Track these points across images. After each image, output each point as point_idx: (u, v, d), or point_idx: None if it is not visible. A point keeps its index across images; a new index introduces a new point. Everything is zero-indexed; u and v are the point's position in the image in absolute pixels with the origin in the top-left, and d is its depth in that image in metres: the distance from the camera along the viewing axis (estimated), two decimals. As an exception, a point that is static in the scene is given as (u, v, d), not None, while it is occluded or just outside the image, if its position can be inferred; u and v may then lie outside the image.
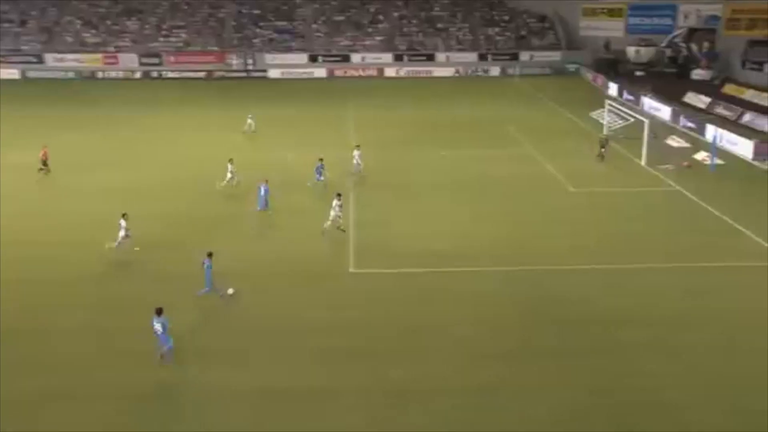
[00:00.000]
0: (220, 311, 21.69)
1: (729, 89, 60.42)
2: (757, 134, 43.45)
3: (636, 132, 42.66)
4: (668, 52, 72.77)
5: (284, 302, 22.62)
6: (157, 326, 18.84)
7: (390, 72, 74.20)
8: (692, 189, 34.21)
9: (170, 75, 71.90)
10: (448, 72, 74.57)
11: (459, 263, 25.37)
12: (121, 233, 25.80)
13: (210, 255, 22.20)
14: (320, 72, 73.56)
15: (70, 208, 30.96)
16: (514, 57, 76.11)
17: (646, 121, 39.98)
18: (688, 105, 55.46)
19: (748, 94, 57.48)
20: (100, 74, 71.66)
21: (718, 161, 38.55)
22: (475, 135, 46.01)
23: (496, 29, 78.58)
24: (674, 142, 43.82)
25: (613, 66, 73.27)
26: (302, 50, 75.32)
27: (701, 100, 55.81)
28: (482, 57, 76.32)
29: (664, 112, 51.74)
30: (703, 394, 17.79)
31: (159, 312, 18.89)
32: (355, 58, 75.37)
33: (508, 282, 23.98)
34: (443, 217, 30.09)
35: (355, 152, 35.08)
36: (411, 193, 33.28)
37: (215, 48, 74.58)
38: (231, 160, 33.18)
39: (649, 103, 54.56)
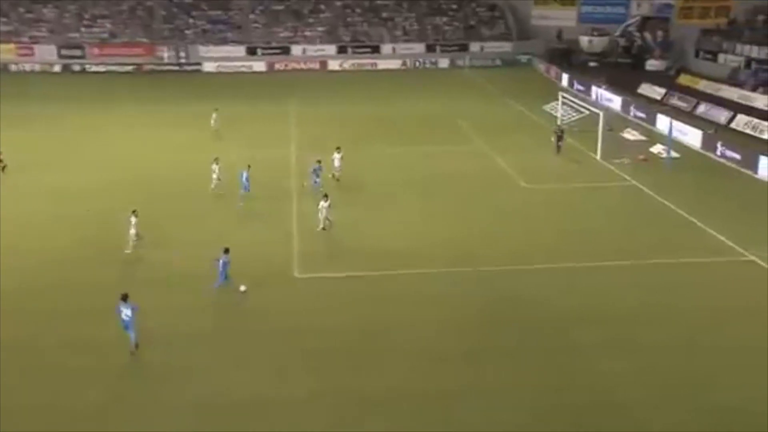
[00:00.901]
0: (151, 323, 21.53)
1: (684, 80, 62.21)
2: (712, 126, 44.96)
3: (590, 125, 43.71)
4: (622, 41, 74.52)
5: (226, 309, 22.58)
6: (126, 311, 19.76)
7: (333, 65, 74.34)
8: (649, 183, 35.22)
9: (95, 69, 70.71)
10: (394, 64, 75.02)
11: (412, 265, 25.69)
12: (132, 231, 26.14)
13: (227, 251, 23.34)
14: (259, 65, 73.24)
15: (22, 210, 30.46)
16: (464, 48, 76.98)
17: (601, 114, 40.99)
18: (643, 96, 56.99)
19: (702, 85, 59.30)
20: (13, 67, 69.95)
21: (674, 154, 39.76)
22: (425, 131, 46.48)
23: (444, 19, 79.38)
24: (630, 135, 44.99)
25: (566, 56, 74.71)
26: (239, 42, 74.84)
27: (656, 91, 57.37)
28: (430, 48, 77.00)
29: (615, 102, 53.18)
30: (662, 393, 18.43)
31: (125, 298, 19.84)
32: (296, 50, 75.25)
33: (464, 283, 24.37)
34: (394, 217, 30.36)
35: (336, 155, 34.60)
36: (359, 193, 33.50)
37: (144, 40, 73.51)
38: (216, 160, 32.93)
39: (601, 94, 55.91)
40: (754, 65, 58.62)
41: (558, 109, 47.84)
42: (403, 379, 19.01)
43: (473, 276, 24.91)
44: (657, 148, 41.30)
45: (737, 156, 39.42)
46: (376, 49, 76.33)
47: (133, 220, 26.34)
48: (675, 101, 53.86)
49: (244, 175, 31.96)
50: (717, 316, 22.31)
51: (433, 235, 28.43)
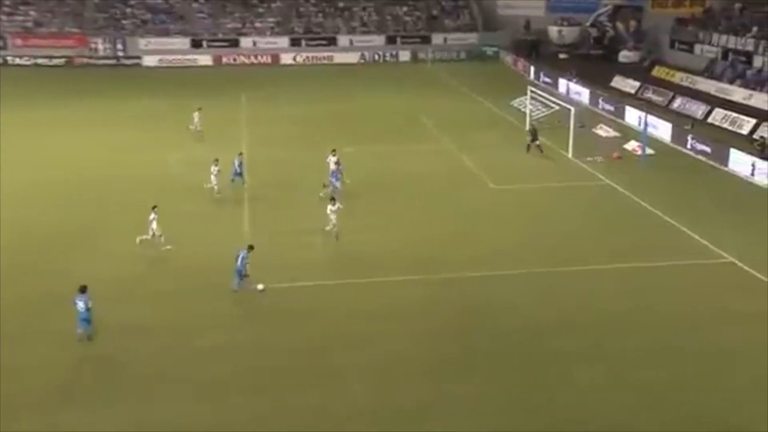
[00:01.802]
0: (80, 343, 21.30)
1: (658, 72, 63.43)
2: (688, 120, 45.91)
3: (561, 121, 44.36)
4: (593, 32, 75.67)
5: (167, 325, 22.46)
6: (81, 304, 20.76)
7: (286, 58, 74.28)
8: (623, 182, 35.84)
9: (18, 61, 69.44)
10: (352, 58, 75.21)
11: (373, 272, 25.81)
12: (153, 226, 26.82)
13: (251, 248, 24.06)
14: (205, 59, 72.88)
15: None
16: (426, 40, 77.45)
17: (572, 109, 41.62)
18: (616, 90, 57.97)
19: (678, 77, 60.55)
20: None
21: (649, 151, 40.53)
22: (385, 128, 46.71)
23: (405, 9, 79.78)
24: (603, 131, 45.72)
25: (534, 48, 75.62)
26: (182, 34, 74.36)
27: (629, 85, 58.41)
28: (390, 40, 77.33)
29: (583, 96, 54.11)
30: (641, 401, 18.82)
31: (83, 290, 20.89)
32: (246, 42, 75.03)
33: (430, 291, 24.57)
34: (353, 222, 30.47)
35: (331, 158, 34.17)
36: (315, 196, 33.58)
37: (75, 30, 72.37)
38: (216, 161, 33.31)
39: (569, 87, 56.81)
40: (731, 56, 59.98)
41: (527, 105, 48.44)
42: (366, 396, 19.10)
43: (440, 283, 25.11)
44: (631, 145, 42.06)
45: (707, 149, 40.59)
46: (332, 42, 76.44)
47: (153, 215, 26.99)
48: (650, 95, 54.89)
49: (236, 161, 34.23)
50: (696, 321, 22.81)
51: (397, 239, 28.61)
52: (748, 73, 55.92)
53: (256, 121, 48.23)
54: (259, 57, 73.86)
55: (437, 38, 77.78)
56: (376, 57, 75.93)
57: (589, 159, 39.54)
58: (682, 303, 23.90)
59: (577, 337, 21.81)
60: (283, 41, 75.62)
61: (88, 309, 20.88)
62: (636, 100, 51.54)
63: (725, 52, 61.03)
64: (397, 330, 22.16)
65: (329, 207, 28.56)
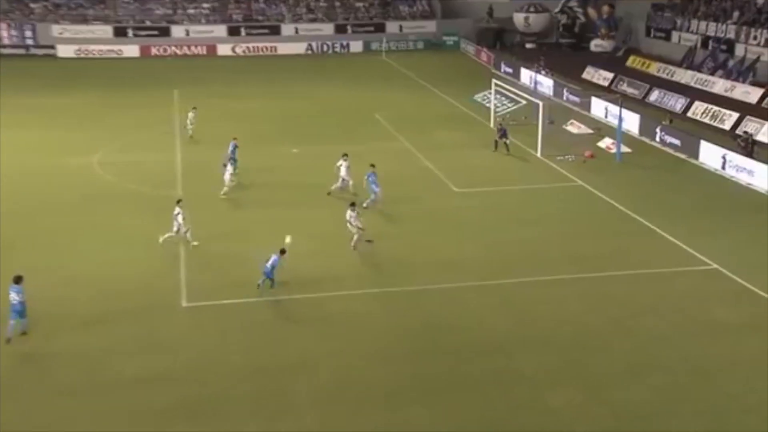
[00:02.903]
0: (16, 367, 20.92)
1: (634, 62, 64.35)
2: (666, 115, 46.59)
3: (528, 117, 44.73)
4: (563, 18, 76.53)
5: (92, 347, 22.09)
6: (13, 295, 21.86)
7: (224, 49, 73.96)
8: (597, 183, 36.22)
9: None
10: (298, 48, 75.15)
11: (322, 286, 25.69)
12: (180, 220, 27.95)
13: (283, 252, 24.86)
14: (131, 50, 72.18)
15: None
16: (380, 29, 77.71)
17: (540, 104, 41.97)
18: (588, 82, 58.64)
19: (655, 68, 61.46)
20: None
21: (625, 149, 41.02)
22: (336, 126, 46.65)
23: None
24: (574, 128, 46.19)
25: (499, 37, 76.30)
26: (104, 21, 73.37)
27: (602, 76, 59.15)
28: (340, 29, 77.46)
29: (546, 87, 54.73)
30: (618, 424, 18.93)
31: (17, 280, 22.05)
32: (177, 31, 74.54)
33: (385, 306, 24.51)
34: (300, 231, 30.23)
35: (342, 162, 33.90)
36: (258, 202, 33.42)
37: (-29, 13, 70.99)
38: (231, 164, 34.43)
39: (532, 77, 57.39)
40: (711, 44, 60.99)
41: (491, 100, 48.74)
42: (316, 423, 18.95)
43: (395, 296, 25.07)
44: (605, 142, 42.51)
45: (677, 142, 41.79)
46: (275, 31, 76.32)
47: (178, 210, 28.17)
48: (624, 87, 55.60)
49: (231, 145, 36.17)
50: (679, 334, 22.98)
51: (348, 249, 28.51)
52: (730, 62, 56.97)
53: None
54: (193, 48, 73.42)
55: (392, 26, 78.08)
56: (325, 47, 75.95)
57: (559, 158, 39.90)
58: (662, 315, 24.10)
59: (548, 354, 21.86)
60: (220, 30, 75.29)
61: (21, 301, 21.92)
62: (609, 93, 52.21)
63: (705, 40, 62.11)
64: (347, 349, 22.04)
65: (348, 212, 28.49)
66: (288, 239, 25.63)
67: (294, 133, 44.88)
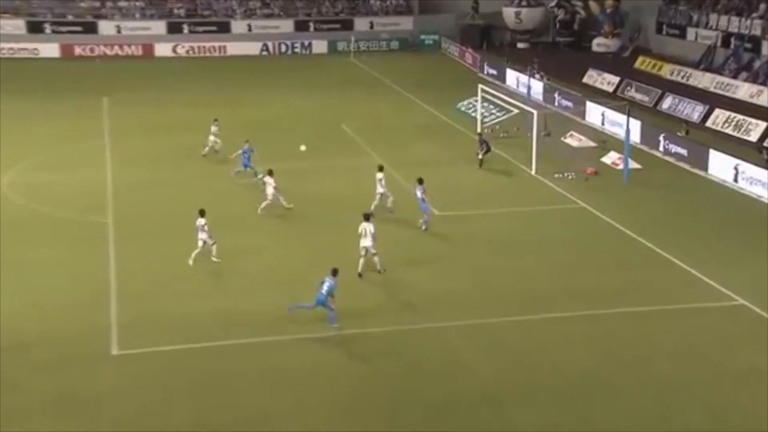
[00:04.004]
0: None
1: (643, 64, 64.75)
2: (682, 125, 46.82)
3: (520, 128, 44.78)
4: (560, 13, 77.03)
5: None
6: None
7: (163, 49, 73.82)
8: (601, 205, 36.21)
9: None
10: (251, 48, 75.10)
11: (276, 328, 25.40)
12: (203, 235, 29.40)
13: (335, 273, 25.24)
14: (50, 49, 71.72)
15: None
16: (347, 26, 77.90)
17: (535, 113, 42.01)
18: (590, 87, 58.90)
19: (668, 71, 61.84)
20: None
21: (634, 164, 41.10)
22: (295, 139, 46.09)
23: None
24: (574, 140, 46.28)
25: (486, 36, 76.64)
26: (14, 13, 72.66)
27: (607, 80, 59.46)
28: (301, 26, 77.58)
29: (535, 89, 55.10)
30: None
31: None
32: (106, 28, 74.28)
33: (353, 351, 24.27)
34: (253, 262, 30.13)
35: (379, 176, 34.73)
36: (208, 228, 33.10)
37: None
38: (270, 171, 35.38)
39: (518, 79, 57.80)
40: (733, 42, 61.32)
41: (477, 108, 48.77)
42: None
43: (367, 339, 24.84)
44: (611, 157, 42.61)
45: (682, 152, 42.36)
46: (223, 28, 76.34)
47: (202, 221, 29.47)
48: (632, 93, 55.90)
49: (244, 148, 38.61)
50: (701, 383, 22.85)
51: (308, 284, 28.21)
52: (756, 63, 57.32)
53: (124, 132, 47.67)
54: (126, 47, 73.18)
55: (361, 23, 78.30)
56: (283, 48, 75.96)
57: (557, 175, 39.94)
58: (680, 360, 23.98)
59: (546, 407, 21.68)
60: (159, 27, 75.17)
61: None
62: (615, 100, 52.43)
63: (726, 38, 62.37)
64: (311, 403, 21.78)
65: (365, 226, 28.63)
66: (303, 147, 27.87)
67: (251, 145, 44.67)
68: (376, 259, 28.79)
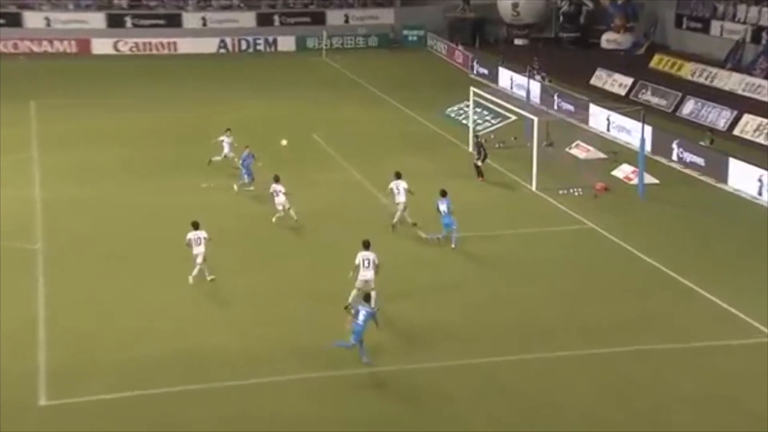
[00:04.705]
0: None
1: (660, 62, 64.99)
2: (705, 134, 46.94)
3: (513, 136, 44.84)
4: (564, 5, 77.34)
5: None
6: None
7: (102, 46, 73.93)
8: (612, 226, 36.22)
9: None
10: (206, 46, 75.18)
11: (232, 372, 25.27)
12: (200, 250, 30.43)
13: (368, 299, 25.79)
14: (-37, 45, 71.63)
15: None
16: (319, 20, 78.04)
17: (535, 120, 42.09)
18: (598, 90, 59.08)
19: (689, 70, 62.09)
20: None
21: (650, 179, 41.22)
22: (257, 152, 46.23)
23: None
24: (581, 151, 46.40)
25: (478, 31, 76.86)
26: None
27: (618, 82, 59.67)
28: (264, 20, 77.76)
29: (534, 92, 55.39)
30: None
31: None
32: (34, 20, 74.14)
33: (322, 397, 24.18)
34: (201, 298, 30.04)
35: (398, 185, 35.48)
36: (143, 260, 33.09)
37: None
38: (276, 178, 36.52)
39: (512, 80, 58.14)
40: (765, 37, 61.62)
41: (469, 115, 48.81)
42: None
43: (341, 384, 24.73)
44: (623, 171, 42.74)
45: (699, 161, 42.74)
46: (174, 22, 76.40)
47: (197, 235, 30.70)
48: (648, 96, 56.12)
49: (244, 154, 40.30)
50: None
51: (275, 325, 28.19)
52: (791, 62, 57.80)
53: (55, 143, 47.60)
54: (57, 43, 73.23)
55: (335, 17, 78.52)
56: (244, 45, 76.09)
57: (562, 192, 40.02)
58: (706, 406, 23.93)
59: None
60: (97, 20, 75.12)
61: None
62: (628, 104, 52.50)
63: (756, 32, 62.74)
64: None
65: (364, 255, 28.38)
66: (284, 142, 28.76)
67: (201, 160, 44.51)
68: (373, 294, 28.22)
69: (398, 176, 35.97)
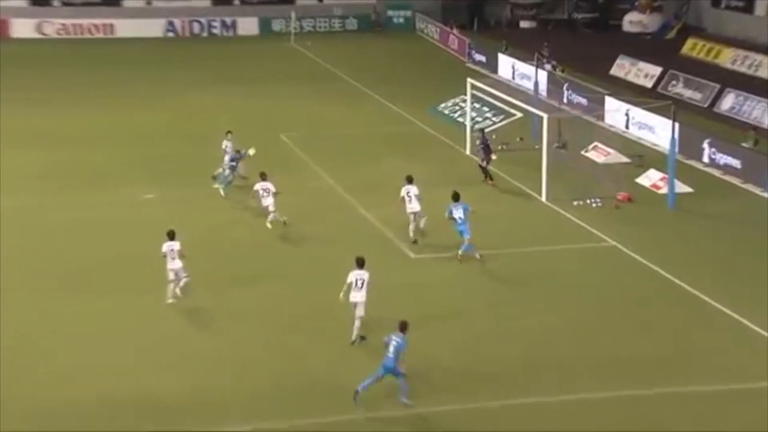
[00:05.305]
0: None
1: (693, 48, 65.14)
2: (749, 133, 46.97)
3: (524, 138, 44.87)
4: (578, -18, 77.76)
5: None
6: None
7: (24, 28, 74.39)
8: (639, 243, 36.13)
9: None
10: (150, 28, 75.42)
11: (185, 419, 25.21)
12: (175, 266, 30.85)
13: (404, 328, 25.59)
14: None
15: None
16: (286, -1, 78.26)
17: (545, 117, 41.95)
18: (620, 81, 59.13)
19: (728, 57, 62.23)
20: None
21: (682, 187, 41.18)
22: (214, 155, 46.20)
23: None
24: (599, 154, 46.39)
25: (477, 12, 77.01)
26: None
27: (644, 72, 59.67)
28: (221, -1, 77.87)
29: (540, 80, 55.15)
30: None
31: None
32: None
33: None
34: (150, 330, 29.92)
35: (410, 190, 36.13)
36: (80, 283, 33.00)
37: None
38: (263, 175, 37.34)
39: (515, 68, 58.42)
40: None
41: (466, 111, 48.75)
42: None
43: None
44: (650, 178, 42.71)
45: (735, 163, 42.87)
46: (111, 0, 76.22)
47: (172, 246, 31.02)
48: (679, 89, 56.15)
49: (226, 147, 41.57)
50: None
51: (231, 359, 28.11)
52: None
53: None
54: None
55: (306, -5, 78.67)
56: (197, 28, 76.23)
57: (577, 203, 40.00)
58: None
59: None
60: (16, -2, 75.17)
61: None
62: (655, 98, 52.42)
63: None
64: None
65: (356, 275, 28.51)
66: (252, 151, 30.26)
67: (144, 165, 44.44)
68: (357, 323, 28.47)
69: (409, 180, 36.35)
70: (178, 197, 40.42)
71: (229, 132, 43.75)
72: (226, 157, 42.50)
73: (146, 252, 33.40)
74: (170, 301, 30.89)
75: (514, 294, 32.71)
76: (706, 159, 44.26)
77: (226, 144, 42.93)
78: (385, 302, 31.37)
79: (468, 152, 45.35)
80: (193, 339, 29.47)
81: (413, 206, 35.84)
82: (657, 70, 59.12)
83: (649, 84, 58.46)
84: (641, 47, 65.45)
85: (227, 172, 40.86)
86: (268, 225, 36.53)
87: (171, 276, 30.88)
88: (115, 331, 29.78)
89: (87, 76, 62.15)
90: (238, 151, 41.19)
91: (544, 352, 28.61)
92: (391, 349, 25.17)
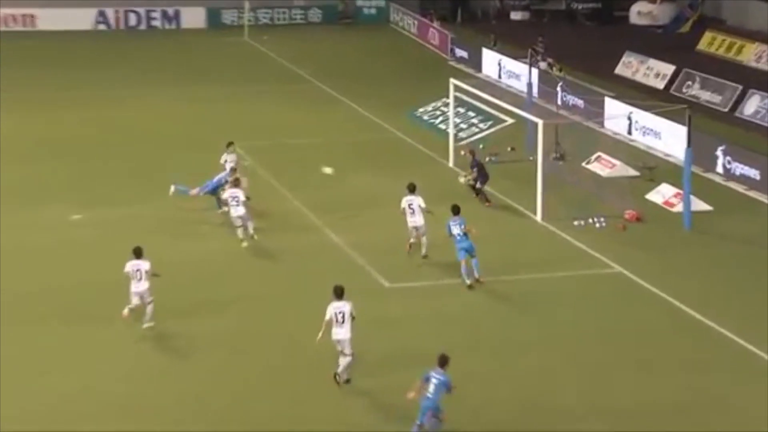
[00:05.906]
0: None
1: (711, 43, 65.54)
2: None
3: (516, 149, 45.24)
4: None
5: None
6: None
7: None
8: (648, 269, 36.46)
9: None
10: (78, 20, 75.38)
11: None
12: (140, 288, 31.30)
13: (444, 363, 25.87)
14: None
15: None
16: (241, -14, 78.47)
17: (540, 123, 42.31)
18: (626, 81, 59.54)
19: (751, 53, 62.66)
20: None
21: (699, 205, 41.55)
22: (153, 171, 46.28)
23: None
24: (603, 166, 46.80)
25: (461, 2, 77.31)
26: None
27: (654, 71, 59.97)
28: (161, -14, 77.99)
29: (523, 79, 55.72)
30: None
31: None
32: None
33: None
34: (84, 367, 30.06)
35: (412, 202, 36.82)
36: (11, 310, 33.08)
37: None
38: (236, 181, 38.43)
39: (504, 66, 58.88)
40: None
41: (448, 116, 48.95)
42: None
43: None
44: (662, 194, 43.11)
45: (753, 174, 43.45)
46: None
47: (141, 265, 31.54)
48: (695, 90, 56.49)
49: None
50: None
51: (201, 399, 28.32)
52: None
53: None
54: None
55: (263, -17, 78.90)
56: (133, 20, 76.25)
57: (578, 223, 40.37)
58: None
59: None
60: None
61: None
62: (668, 101, 52.45)
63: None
64: None
65: (337, 307, 28.69)
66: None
67: (71, 182, 44.62)
68: (341, 362, 28.68)
69: (411, 190, 36.86)
70: (109, 218, 40.73)
71: (230, 143, 44.12)
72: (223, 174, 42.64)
73: (86, 278, 33.80)
74: (147, 325, 31.48)
75: (505, 329, 32.87)
76: (720, 168, 44.70)
77: (226, 158, 43.17)
78: (359, 337, 31.76)
79: (451, 164, 45.60)
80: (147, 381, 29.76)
81: (415, 220, 36.34)
82: (669, 69, 59.48)
83: (660, 85, 58.80)
84: (651, 42, 65.84)
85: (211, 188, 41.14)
86: (244, 245, 37.19)
87: (135, 300, 31.31)
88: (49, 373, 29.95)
89: (4, 77, 61.81)
90: (234, 169, 40.85)
91: (540, 397, 28.79)
92: (431, 388, 25.45)
